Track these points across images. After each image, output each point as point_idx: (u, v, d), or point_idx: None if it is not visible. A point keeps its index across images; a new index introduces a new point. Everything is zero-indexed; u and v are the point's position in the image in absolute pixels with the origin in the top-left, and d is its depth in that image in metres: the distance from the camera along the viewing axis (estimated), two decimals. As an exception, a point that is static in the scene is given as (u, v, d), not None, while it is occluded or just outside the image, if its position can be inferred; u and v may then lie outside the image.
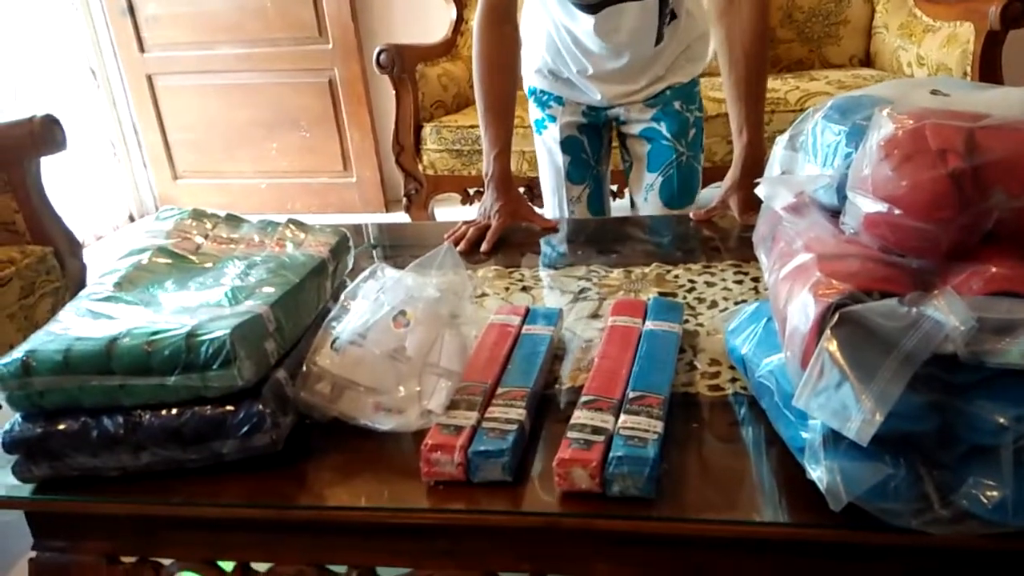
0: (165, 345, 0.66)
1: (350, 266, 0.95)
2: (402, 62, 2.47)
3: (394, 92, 2.52)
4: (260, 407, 0.66)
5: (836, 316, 0.52)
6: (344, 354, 0.69)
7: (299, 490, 0.68)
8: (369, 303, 0.72)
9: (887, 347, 0.51)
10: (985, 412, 0.52)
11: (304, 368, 0.70)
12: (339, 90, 3.16)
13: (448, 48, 2.74)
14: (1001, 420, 0.51)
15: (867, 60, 2.77)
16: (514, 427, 0.66)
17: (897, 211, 0.52)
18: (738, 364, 0.76)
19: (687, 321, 0.91)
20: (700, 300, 0.98)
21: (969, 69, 2.24)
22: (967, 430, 0.53)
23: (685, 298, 0.99)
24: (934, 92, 0.64)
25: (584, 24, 1.36)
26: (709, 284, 1.03)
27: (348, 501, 0.66)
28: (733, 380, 0.78)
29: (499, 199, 1.30)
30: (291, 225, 0.88)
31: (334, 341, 0.70)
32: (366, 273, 0.77)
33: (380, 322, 0.69)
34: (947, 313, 0.48)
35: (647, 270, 1.08)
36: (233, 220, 0.91)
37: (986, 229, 0.53)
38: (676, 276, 1.06)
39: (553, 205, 1.56)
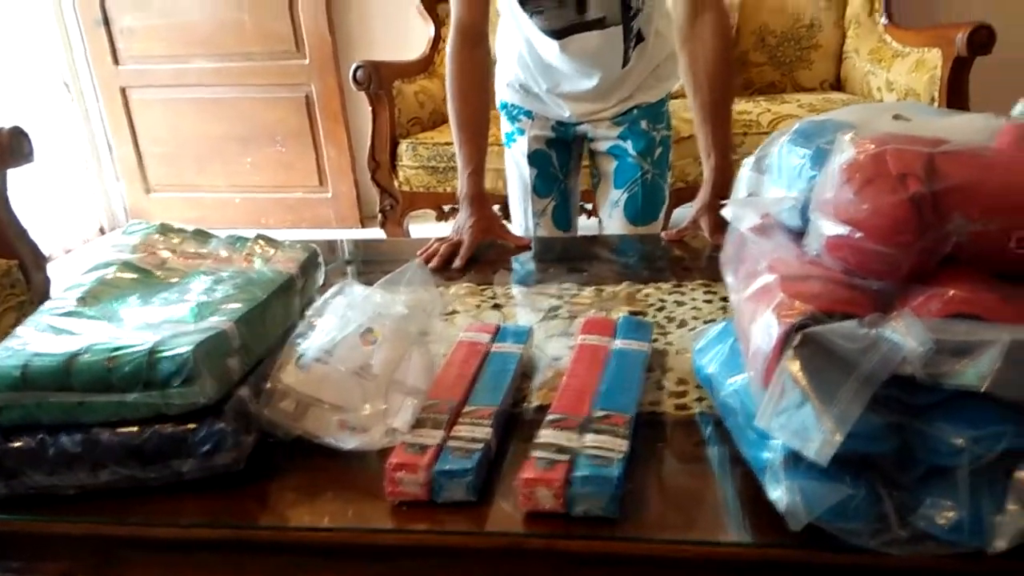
0: (126, 361, 0.65)
1: (320, 283, 0.94)
2: (379, 78, 2.47)
3: (371, 108, 2.53)
4: (222, 425, 0.65)
5: (798, 337, 0.53)
6: (309, 371, 0.68)
7: (261, 510, 0.67)
8: (336, 320, 0.71)
9: (847, 368, 0.51)
10: (943, 433, 0.52)
11: (268, 385, 0.69)
12: (315, 105, 3.16)
13: (426, 65, 2.75)
14: (958, 441, 0.52)
15: (838, 84, 2.82)
16: (479, 446, 0.65)
17: (858, 234, 0.53)
18: (704, 383, 0.77)
19: (656, 340, 0.91)
20: (670, 319, 0.99)
21: (937, 94, 2.29)
22: (925, 451, 0.53)
23: (655, 317, 0.99)
24: (897, 117, 0.65)
25: (551, 47, 1.38)
26: (679, 303, 1.03)
27: (311, 521, 0.65)
28: (700, 399, 0.79)
29: (472, 216, 1.31)
30: (260, 240, 0.88)
31: (299, 358, 0.69)
32: (334, 290, 0.76)
33: (346, 339, 0.69)
34: (905, 335, 0.49)
35: (618, 288, 1.09)
36: (201, 235, 0.90)
37: (945, 253, 0.53)
38: (647, 295, 1.06)
39: (519, 218, 1.57)
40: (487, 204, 1.35)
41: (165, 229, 0.89)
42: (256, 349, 0.74)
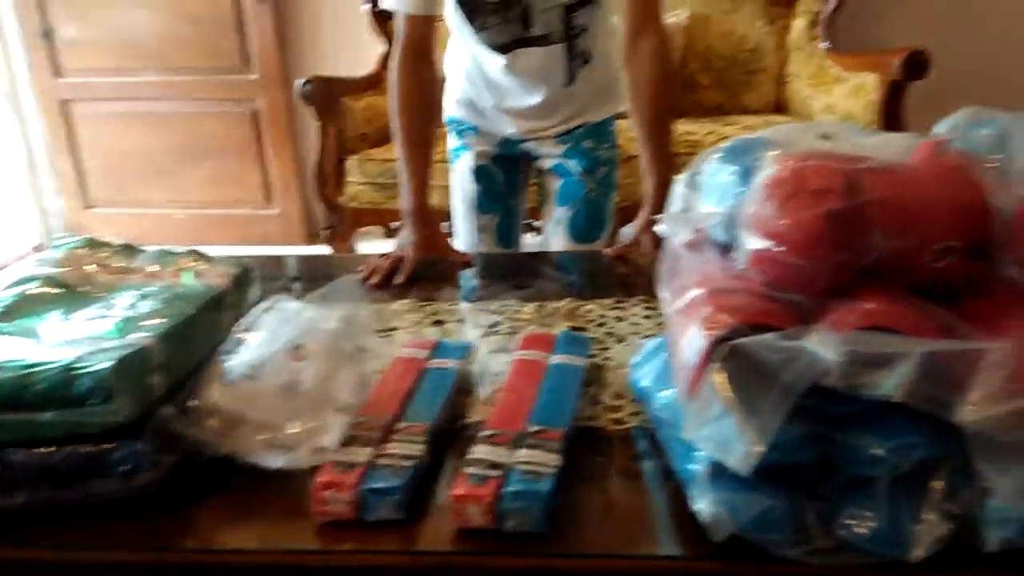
0: (41, 379, 0.62)
1: (256, 299, 0.92)
2: (327, 94, 2.46)
3: (318, 124, 2.51)
4: (142, 445, 0.63)
5: (722, 349, 0.53)
6: (235, 389, 0.66)
7: (184, 532, 0.65)
8: (265, 336, 0.69)
9: (769, 380, 0.52)
10: (861, 444, 0.53)
11: (193, 403, 0.67)
12: (263, 120, 3.12)
13: (375, 82, 2.74)
14: (876, 451, 0.53)
15: (781, 107, 2.89)
16: (411, 463, 0.64)
17: (779, 248, 0.54)
18: (640, 397, 0.77)
19: (595, 355, 0.91)
20: (610, 335, 0.99)
21: (874, 117, 2.36)
22: (846, 461, 0.54)
23: (595, 332, 0.99)
24: (822, 136, 0.67)
25: (497, 62, 1.39)
26: (619, 319, 1.04)
27: (235, 543, 0.63)
28: (636, 414, 0.79)
29: (415, 233, 1.30)
30: (191, 255, 0.86)
31: (225, 375, 0.67)
32: (264, 305, 0.75)
33: (275, 355, 0.67)
34: (823, 347, 0.49)
35: (559, 304, 1.09)
36: (129, 250, 0.88)
37: (864, 267, 0.55)
38: (588, 311, 1.07)
39: (462, 234, 1.57)
40: (431, 220, 1.34)
41: (92, 243, 0.87)
42: (181, 366, 0.72)
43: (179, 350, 0.71)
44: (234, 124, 3.15)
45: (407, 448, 0.66)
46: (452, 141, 1.57)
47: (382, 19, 2.80)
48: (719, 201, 0.66)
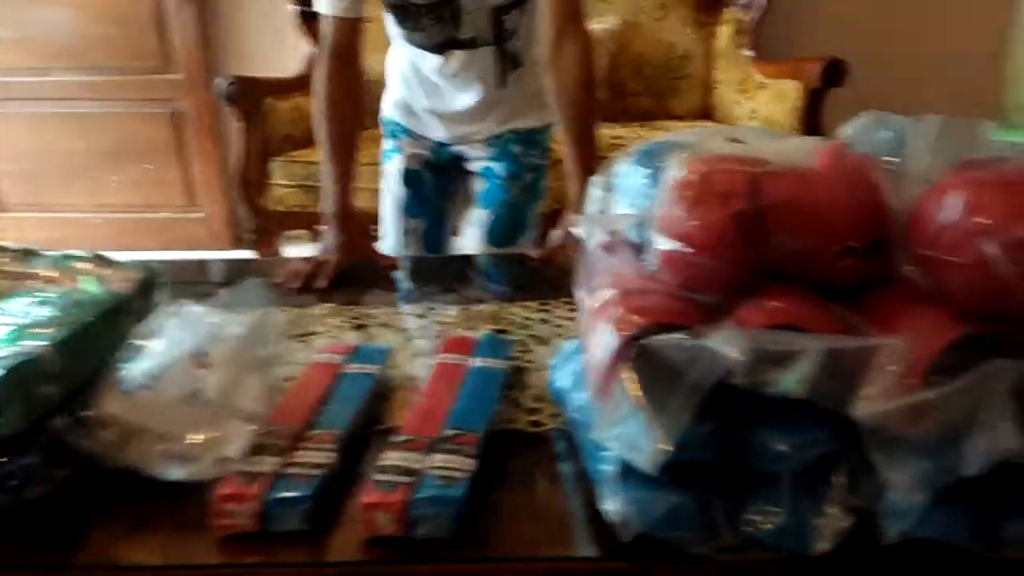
0: (-79, 390, 0.58)
1: (161, 304, 0.88)
2: (250, 94, 2.40)
3: (241, 125, 2.44)
4: (32, 458, 0.60)
5: (632, 349, 0.53)
6: (134, 398, 0.63)
7: (78, 549, 0.61)
8: (167, 342, 0.67)
9: (677, 379, 0.52)
10: (766, 440, 0.54)
11: (89, 413, 0.64)
12: (185, 122, 3.03)
13: (301, 82, 2.67)
14: (781, 448, 0.53)
15: (708, 113, 2.95)
16: (320, 472, 0.62)
17: (687, 249, 0.54)
18: (557, 399, 0.77)
19: (517, 358, 0.91)
20: (533, 337, 0.99)
21: (796, 123, 2.43)
22: (752, 458, 0.55)
23: (518, 335, 0.99)
24: (732, 140, 0.68)
25: (430, 63, 1.39)
26: (544, 321, 1.04)
27: (132, 559, 0.60)
28: (555, 416, 0.78)
29: (339, 236, 1.28)
30: (92, 259, 0.82)
31: (123, 384, 0.64)
32: (166, 310, 0.72)
33: (177, 363, 0.64)
34: (727, 345, 0.50)
35: (484, 307, 1.08)
36: (27, 254, 0.83)
37: (769, 267, 0.55)
38: (512, 313, 1.06)
39: (389, 237, 1.56)
40: (354, 224, 1.32)
41: (-14, 247, 0.82)
42: (78, 375, 0.68)
43: (76, 359, 0.68)
44: (156, 125, 3.05)
45: (316, 456, 0.64)
46: (385, 143, 1.56)
47: (309, 20, 2.74)
48: (632, 203, 0.66)
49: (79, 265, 0.81)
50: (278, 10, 2.85)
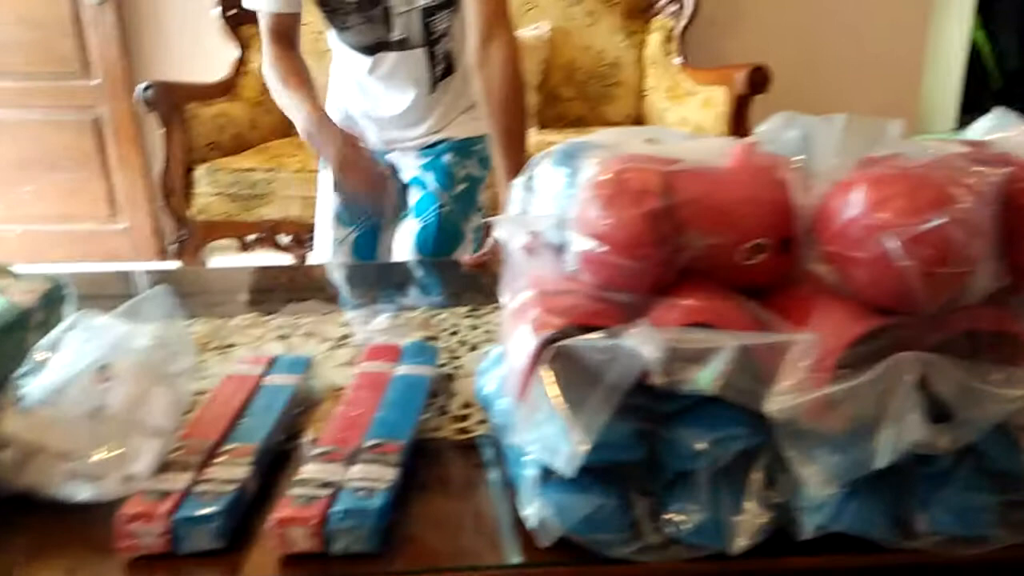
0: None
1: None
2: (171, 100, 2.33)
3: (163, 132, 2.37)
4: (-83, 484, 0.56)
5: (549, 350, 0.53)
6: (33, 416, 0.60)
7: (-28, 579, 0.58)
8: (69, 356, 0.63)
9: (595, 379, 0.52)
10: (684, 439, 0.54)
11: (-16, 434, 0.60)
12: (106, 129, 2.92)
13: (227, 88, 2.62)
14: (698, 446, 0.54)
15: (640, 119, 2.99)
16: (233, 488, 0.60)
17: (603, 248, 0.54)
18: (483, 405, 0.76)
19: (446, 364, 0.90)
20: (462, 343, 0.98)
21: (723, 128, 2.48)
22: (671, 457, 0.55)
23: (448, 341, 0.98)
24: (648, 140, 0.68)
25: (362, 65, 1.38)
26: (474, 327, 1.03)
27: (32, 587, 0.57)
28: (483, 422, 0.77)
29: (335, 140, 1.34)
30: (-9, 271, 0.78)
31: (22, 401, 0.61)
32: (67, 322, 0.68)
33: (79, 377, 0.61)
34: (642, 344, 0.50)
35: (413, 315, 1.07)
36: (-80, 266, 0.79)
37: (683, 265, 0.56)
38: (442, 320, 1.05)
39: (321, 246, 1.54)
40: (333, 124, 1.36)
41: None
42: (-26, 393, 0.64)
43: (-31, 376, 0.64)
44: (75, 133, 2.93)
45: (230, 472, 0.61)
46: None
47: (234, 24, 2.69)
48: (551, 204, 0.66)
49: (-24, 278, 0.77)
50: (201, 14, 2.78)
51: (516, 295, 0.64)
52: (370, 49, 1.37)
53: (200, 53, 2.86)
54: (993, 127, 0.64)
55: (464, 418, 0.78)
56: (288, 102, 1.37)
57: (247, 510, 0.62)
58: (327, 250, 1.53)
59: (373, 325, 1.03)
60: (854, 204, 0.50)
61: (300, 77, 1.38)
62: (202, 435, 0.66)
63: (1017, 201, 0.53)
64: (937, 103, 3.38)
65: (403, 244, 1.49)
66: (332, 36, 1.42)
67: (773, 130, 0.62)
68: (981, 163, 0.53)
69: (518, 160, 1.29)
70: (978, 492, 0.57)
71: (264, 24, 1.35)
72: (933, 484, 0.57)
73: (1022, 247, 0.54)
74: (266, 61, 1.38)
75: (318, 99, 1.39)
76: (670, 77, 2.83)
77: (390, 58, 1.37)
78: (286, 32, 1.36)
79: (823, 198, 0.53)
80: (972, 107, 3.20)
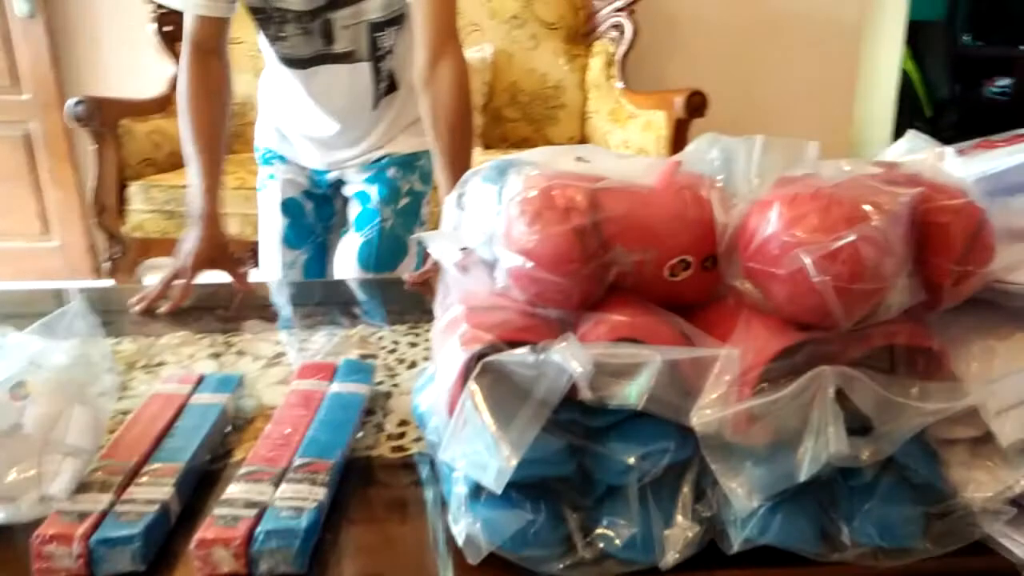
0: None
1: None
2: (102, 115, 2.27)
3: (94, 148, 2.31)
4: None
5: (477, 366, 0.53)
6: (-58, 436, 0.57)
7: None
8: (-19, 374, 0.61)
9: (524, 394, 0.52)
10: (614, 453, 0.54)
11: None
12: (37, 145, 2.84)
13: (163, 104, 2.57)
14: (628, 460, 0.54)
15: (584, 140, 3.03)
16: (154, 508, 0.58)
17: (530, 264, 0.55)
18: (419, 422, 0.75)
19: (382, 382, 0.89)
20: (400, 361, 0.97)
21: (663, 150, 2.53)
22: (602, 471, 0.55)
23: (386, 359, 0.97)
24: (578, 159, 0.69)
25: (298, 80, 1.35)
26: (412, 344, 1.02)
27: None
28: (418, 440, 0.77)
29: (200, 241, 1.21)
30: (-100, 287, 0.74)
31: (-71, 421, 0.58)
32: (-19, 340, 0.66)
33: (-8, 396, 0.59)
34: (570, 359, 0.50)
35: (351, 332, 1.06)
36: None
37: (610, 281, 0.56)
38: (380, 337, 1.04)
39: (268, 269, 1.50)
40: (219, 226, 1.25)
41: None
42: None
43: None
44: (5, 148, 2.84)
45: (152, 492, 0.60)
46: (261, 172, 1.50)
47: (170, 40, 2.64)
48: (482, 221, 0.66)
49: None
50: (137, 29, 2.73)
51: (447, 311, 0.64)
52: (305, 62, 1.33)
53: (135, 69, 2.80)
54: (907, 150, 0.67)
55: (400, 436, 0.78)
56: (186, 150, 1.27)
57: (170, 532, 0.60)
58: (275, 272, 1.49)
59: (309, 343, 1.02)
60: (771, 222, 0.52)
61: (209, 124, 1.27)
62: (124, 455, 0.64)
63: (928, 220, 0.56)
64: (870, 130, 3.52)
65: (345, 259, 1.45)
66: (264, 50, 1.38)
67: (697, 151, 0.63)
68: (893, 183, 0.55)
69: (464, 174, 1.29)
70: (901, 504, 0.59)
71: (187, 27, 1.27)
72: (857, 497, 0.59)
73: (935, 264, 0.56)
74: (181, 73, 1.28)
75: (218, 169, 1.28)
76: (612, 100, 2.89)
77: (330, 72, 1.33)
78: (210, 36, 1.27)
79: (743, 216, 0.54)
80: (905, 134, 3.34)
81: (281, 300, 1.24)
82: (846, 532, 0.58)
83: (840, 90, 3.34)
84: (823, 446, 0.54)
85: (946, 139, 0.70)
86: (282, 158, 1.48)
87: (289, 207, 1.48)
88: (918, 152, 0.67)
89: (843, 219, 0.50)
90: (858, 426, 0.56)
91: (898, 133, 3.50)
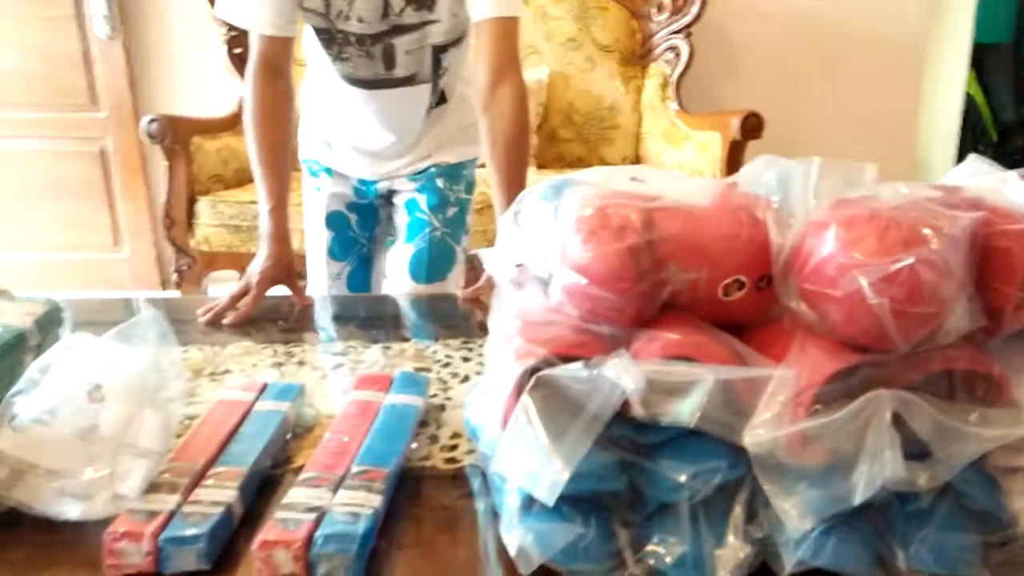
0: None
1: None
2: (175, 133, 2.37)
3: (166, 164, 2.41)
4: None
5: (531, 380, 0.54)
6: (25, 434, 0.61)
7: (-41, 596, 0.58)
8: (62, 376, 0.64)
9: (576, 409, 0.53)
10: (665, 470, 0.55)
11: (-24, 451, 0.61)
12: (111, 160, 2.97)
13: (231, 123, 2.67)
14: (679, 478, 0.54)
15: (639, 161, 3.03)
16: (219, 510, 0.61)
17: (584, 281, 0.56)
18: (472, 435, 0.77)
19: (436, 395, 0.91)
20: (454, 375, 0.99)
21: (717, 172, 2.52)
22: (653, 488, 0.56)
23: (439, 372, 0.99)
24: (633, 179, 0.70)
25: (356, 96, 1.38)
26: (465, 359, 1.04)
27: (18, 604, 0.57)
28: (471, 452, 0.78)
29: (268, 260, 1.25)
30: (-10, 293, 0.79)
31: (14, 419, 0.62)
32: (62, 343, 0.69)
33: (72, 397, 0.62)
34: (621, 374, 0.51)
35: (406, 346, 1.08)
36: (-79, 288, 0.80)
37: (663, 299, 0.57)
38: (434, 351, 1.06)
39: (314, 281, 1.54)
40: (286, 245, 1.29)
41: None
42: (-32, 411, 0.66)
43: (-35, 394, 0.65)
44: (81, 163, 2.98)
45: (216, 495, 0.62)
46: (306, 183, 1.54)
47: (240, 61, 2.75)
48: (537, 238, 0.68)
49: (-24, 299, 0.78)
50: (210, 50, 2.84)
51: (502, 326, 0.66)
52: (366, 83, 1.36)
53: (206, 88, 2.92)
54: (968, 174, 0.66)
55: (453, 447, 0.79)
56: (254, 170, 1.30)
57: (233, 533, 0.62)
58: (321, 284, 1.53)
59: (365, 356, 1.04)
60: (827, 243, 0.52)
61: (276, 145, 1.30)
62: (191, 458, 0.67)
63: (990, 244, 0.55)
64: (933, 154, 3.44)
65: (396, 269, 1.48)
66: (319, 63, 1.39)
67: (753, 173, 0.64)
68: (953, 207, 0.55)
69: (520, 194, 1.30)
70: (958, 531, 0.58)
71: (253, 47, 1.29)
72: (914, 522, 0.58)
73: (996, 289, 0.56)
74: (248, 94, 1.30)
75: (285, 189, 1.31)
76: (667, 121, 2.88)
77: (389, 94, 1.37)
78: (276, 55, 1.29)
79: (799, 237, 0.55)
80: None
81: (340, 314, 1.27)
82: (901, 558, 0.57)
83: (902, 114, 3.27)
84: (879, 470, 0.53)
85: (1012, 164, 0.69)
86: (327, 170, 1.50)
87: (333, 220, 1.51)
88: (980, 176, 0.66)
89: (901, 242, 0.50)
90: (915, 451, 0.56)
91: (962, 158, 3.41)
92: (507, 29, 1.23)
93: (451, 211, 1.47)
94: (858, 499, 0.54)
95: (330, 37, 1.32)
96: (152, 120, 2.34)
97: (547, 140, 2.95)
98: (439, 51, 1.33)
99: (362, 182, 1.50)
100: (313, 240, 1.53)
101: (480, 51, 1.25)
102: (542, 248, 0.66)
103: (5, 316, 0.76)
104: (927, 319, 0.52)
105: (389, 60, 1.32)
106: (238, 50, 2.72)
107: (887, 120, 3.24)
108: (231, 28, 2.71)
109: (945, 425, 0.55)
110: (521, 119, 1.25)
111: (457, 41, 1.34)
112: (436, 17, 1.28)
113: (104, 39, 2.86)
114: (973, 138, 3.86)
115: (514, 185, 1.27)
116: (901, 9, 3.13)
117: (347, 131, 1.44)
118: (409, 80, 1.35)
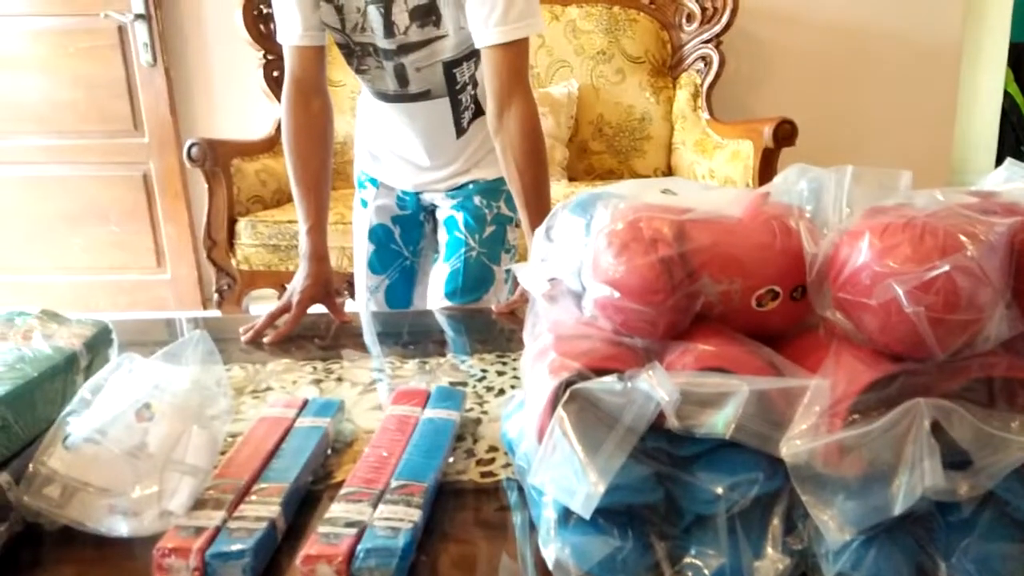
0: None
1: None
2: (215, 156, 2.43)
3: (207, 186, 2.47)
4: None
5: (566, 393, 0.55)
6: (77, 453, 0.63)
7: (16, 610, 0.60)
8: (112, 396, 0.67)
9: (611, 421, 0.53)
10: (702, 482, 0.55)
11: (31, 469, 0.64)
12: (153, 184, 3.05)
13: (270, 145, 2.73)
14: (716, 490, 0.54)
15: (670, 171, 3.02)
16: (263, 526, 0.62)
17: (617, 294, 0.56)
18: (507, 449, 0.77)
19: (472, 409, 0.92)
20: (489, 389, 1.00)
21: (750, 181, 2.50)
22: (689, 500, 0.56)
23: (475, 387, 1.00)
24: (665, 191, 0.70)
25: (388, 109, 1.40)
26: (500, 373, 1.05)
27: (71, 618, 0.59)
28: (507, 466, 0.79)
29: (307, 279, 1.27)
30: (41, 316, 0.82)
31: (67, 439, 0.64)
32: (112, 364, 0.72)
33: (121, 416, 0.64)
34: (656, 387, 0.51)
35: (442, 360, 1.09)
36: (-24, 312, 0.84)
37: (696, 311, 0.57)
38: (470, 366, 1.07)
39: (358, 292, 1.56)
40: (325, 264, 1.31)
41: (-66, 306, 0.82)
42: (24, 431, 0.68)
43: (21, 414, 0.68)
44: (124, 187, 3.07)
45: (261, 510, 0.64)
46: (356, 194, 1.57)
47: (276, 84, 2.80)
48: (570, 252, 0.68)
49: (27, 322, 0.81)
50: (248, 75, 2.91)
51: (536, 340, 0.66)
52: (388, 97, 1.38)
53: (245, 111, 2.99)
54: (1004, 179, 0.66)
55: (490, 461, 0.80)
56: (293, 190, 1.32)
57: (276, 548, 0.64)
58: (360, 296, 1.56)
59: (402, 371, 1.06)
60: (862, 252, 0.52)
61: (312, 166, 1.32)
62: (235, 474, 0.69)
63: (1028, 250, 0.54)
64: (971, 157, 3.37)
65: (434, 288, 1.50)
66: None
67: (786, 181, 0.64)
68: (989, 213, 0.54)
69: (542, 211, 1.30)
70: (1001, 541, 0.57)
71: (287, 64, 1.31)
72: (955, 532, 0.57)
73: (1036, 295, 0.55)
74: (285, 115, 1.32)
75: (324, 210, 1.33)
76: (698, 131, 2.88)
77: (411, 107, 1.38)
78: (310, 70, 1.30)
79: (833, 246, 0.55)
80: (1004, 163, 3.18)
81: (376, 329, 1.29)
82: (943, 568, 0.57)
83: (939, 116, 3.22)
84: (918, 479, 0.53)
85: (1052, 164, 0.68)
86: (374, 181, 1.52)
87: (376, 233, 1.53)
88: (1016, 181, 0.65)
89: (937, 249, 0.50)
90: (956, 460, 0.55)
91: (1001, 159, 3.34)
92: (512, 54, 1.22)
93: (489, 230, 1.47)
94: (898, 509, 0.53)
95: (349, 51, 1.34)
96: (193, 144, 2.40)
97: (578, 152, 2.95)
98: (451, 66, 1.33)
99: (404, 192, 1.52)
100: (357, 253, 1.56)
101: (485, 76, 1.25)
102: (575, 262, 0.67)
103: (56, 338, 0.79)
104: (964, 327, 0.51)
105: (401, 77, 1.33)
106: (275, 73, 2.78)
107: (923, 123, 3.19)
108: (267, 52, 2.77)
109: (986, 433, 0.54)
110: (531, 139, 1.26)
111: (469, 56, 1.34)
112: (442, 32, 1.28)
113: (146, 67, 2.95)
114: (1014, 138, 3.78)
115: (533, 204, 1.28)
116: (935, 10, 3.09)
117: (388, 139, 1.46)
118: (425, 95, 1.36)
